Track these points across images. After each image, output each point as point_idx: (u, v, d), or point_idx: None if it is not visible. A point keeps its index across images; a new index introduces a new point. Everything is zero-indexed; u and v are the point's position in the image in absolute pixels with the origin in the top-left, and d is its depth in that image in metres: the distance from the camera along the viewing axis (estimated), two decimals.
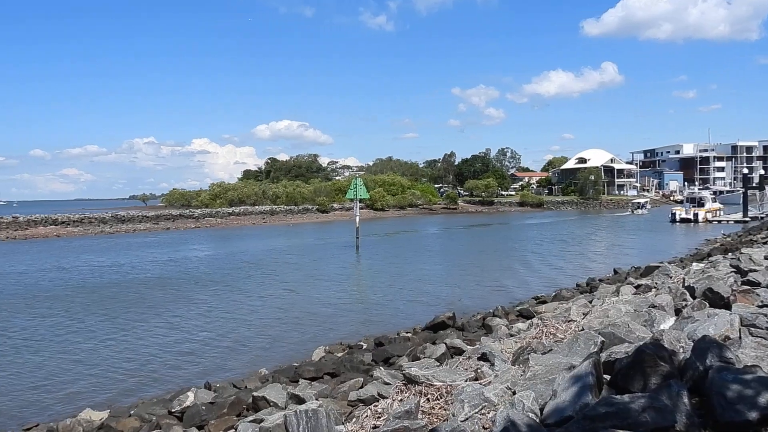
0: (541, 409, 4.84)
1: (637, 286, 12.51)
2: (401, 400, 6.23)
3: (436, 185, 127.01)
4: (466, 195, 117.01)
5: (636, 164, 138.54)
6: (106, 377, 13.19)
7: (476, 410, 5.20)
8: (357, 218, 44.05)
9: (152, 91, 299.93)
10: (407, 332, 15.59)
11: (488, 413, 5.15)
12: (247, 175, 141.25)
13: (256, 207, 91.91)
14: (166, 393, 11.50)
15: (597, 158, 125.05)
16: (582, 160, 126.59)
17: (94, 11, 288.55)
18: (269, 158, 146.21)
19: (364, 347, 14.11)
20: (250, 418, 7.51)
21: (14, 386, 12.66)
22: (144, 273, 31.05)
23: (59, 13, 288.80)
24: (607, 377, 5.14)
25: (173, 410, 9.42)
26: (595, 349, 6.03)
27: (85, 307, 21.45)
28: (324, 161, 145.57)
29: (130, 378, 13.10)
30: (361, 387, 8.69)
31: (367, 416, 6.17)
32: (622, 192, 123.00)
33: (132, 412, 9.98)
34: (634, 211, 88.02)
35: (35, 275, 30.62)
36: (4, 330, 18.06)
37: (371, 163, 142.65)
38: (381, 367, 10.26)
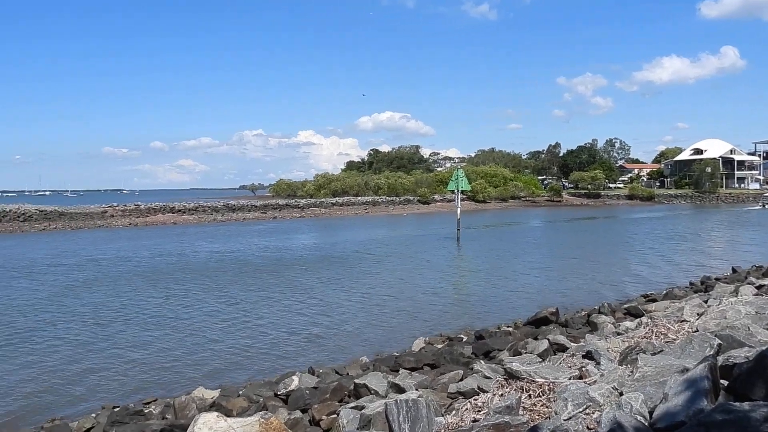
0: (650, 413, 4.63)
1: (759, 287, 11.68)
2: (502, 394, 6.16)
3: (539, 177, 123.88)
4: (571, 187, 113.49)
5: (760, 155, 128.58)
6: (218, 356, 13.91)
7: (580, 409, 5.06)
8: (458, 210, 43.79)
9: (261, 84, 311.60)
10: (508, 326, 15.37)
11: (593, 413, 4.99)
12: (350, 166, 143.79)
13: (359, 197, 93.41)
14: (272, 375, 12.00)
15: (715, 149, 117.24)
16: (698, 151, 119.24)
17: (204, 8, 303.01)
18: (372, 149, 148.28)
19: (464, 340, 14.05)
20: (352, 404, 7.69)
21: (135, 362, 13.61)
22: (256, 259, 32.39)
23: (174, 8, 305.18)
24: (724, 383, 4.84)
25: (279, 393, 9.79)
26: (711, 352, 5.70)
27: (203, 288, 22.69)
28: (425, 152, 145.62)
29: (239, 358, 13.74)
30: (461, 380, 8.67)
31: (466, 409, 6.15)
32: (742, 185, 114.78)
33: (241, 392, 10.47)
34: (766, 205, 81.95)
35: (158, 259, 32.72)
36: (135, 307, 19.41)
37: (473, 155, 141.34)
38: (481, 361, 10.19)
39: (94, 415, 9.96)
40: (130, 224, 62.80)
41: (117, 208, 68.39)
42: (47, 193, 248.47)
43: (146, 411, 9.63)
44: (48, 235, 52.10)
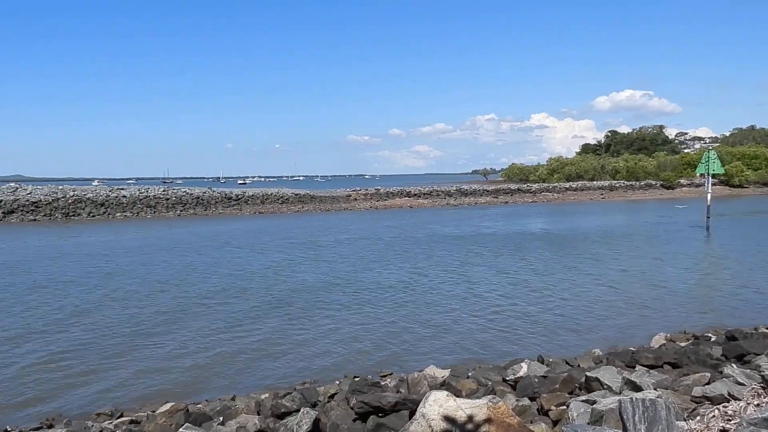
0: None
1: None
2: (758, 404, 5.49)
3: None
4: None
5: None
6: (450, 336, 14.34)
7: None
8: (708, 195, 39.68)
9: (494, 68, 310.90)
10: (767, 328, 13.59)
11: None
12: (586, 149, 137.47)
13: (594, 182, 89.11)
14: (500, 360, 12.07)
15: None
16: None
17: None
18: (609, 131, 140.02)
19: (713, 339, 12.73)
20: (583, 397, 7.42)
21: (374, 334, 14.60)
22: (492, 241, 32.68)
23: None
24: None
25: (507, 378, 9.81)
26: None
27: (450, 267, 23.58)
28: (671, 133, 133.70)
29: (469, 341, 14.02)
30: (708, 383, 7.89)
31: (714, 416, 5.59)
32: None
33: (470, 374, 10.69)
34: None
35: (410, 238, 34.72)
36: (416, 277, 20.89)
37: (728, 134, 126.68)
38: (733, 365, 9.14)
39: (337, 382, 10.93)
40: (371, 207, 67.15)
41: (360, 192, 73.56)
42: (301, 178, 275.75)
43: (382, 383, 10.30)
44: (303, 215, 57.86)
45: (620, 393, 7.62)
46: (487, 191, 79.60)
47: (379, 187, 79.56)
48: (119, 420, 9.36)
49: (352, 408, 8.02)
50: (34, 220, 52.64)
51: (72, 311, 17.50)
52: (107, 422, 9.29)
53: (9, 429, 9.42)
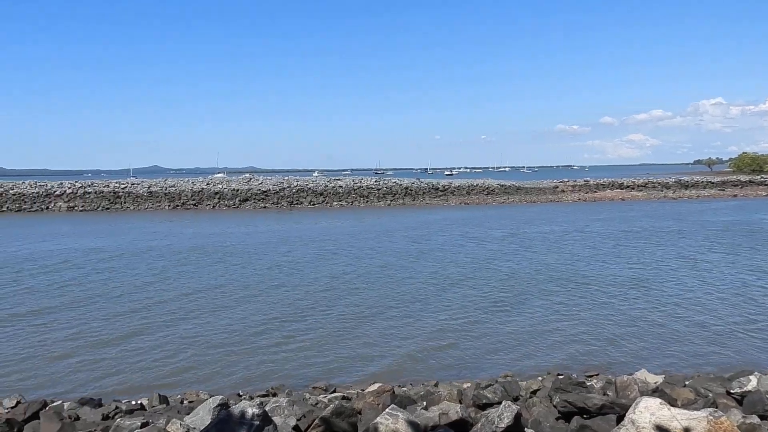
0: None
1: None
2: None
3: None
4: None
5: None
6: (664, 339, 13.33)
7: None
8: None
9: (721, 48, 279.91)
10: None
11: None
12: None
13: None
14: (724, 370, 10.95)
15: None
16: None
17: None
18: None
19: None
20: None
21: (581, 331, 14.06)
22: (721, 237, 29.80)
23: None
24: None
25: (732, 391, 8.88)
26: None
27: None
28: None
29: (689, 346, 12.92)
30: None
31: None
32: None
33: (687, 383, 9.85)
34: None
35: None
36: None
37: None
38: None
39: (540, 378, 10.72)
40: (578, 199, 64.46)
41: (567, 183, 70.94)
42: (506, 169, 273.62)
43: (588, 384, 9.89)
44: (507, 207, 57.33)
45: None
46: (712, 183, 72.23)
47: (588, 179, 76.03)
48: (332, 395, 10.10)
49: (555, 406, 7.83)
50: (264, 207, 58.57)
51: (305, 291, 19.17)
52: (322, 396, 10.08)
53: (241, 393, 10.65)
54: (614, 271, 21.88)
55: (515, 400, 8.66)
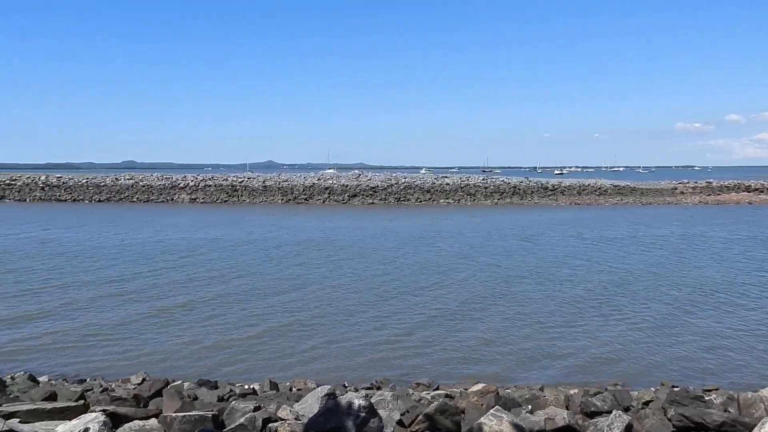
0: None
1: None
2: None
3: None
4: None
5: None
6: None
7: None
8: None
9: None
10: None
11: None
12: None
13: None
14: None
15: None
16: None
17: None
18: None
19: None
20: None
21: (708, 342, 13.29)
22: None
23: None
24: None
25: None
26: None
27: None
28: None
29: None
30: None
31: None
32: None
33: None
34: None
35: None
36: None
37: None
38: None
39: (653, 389, 10.24)
40: (699, 202, 60.74)
41: (687, 184, 66.99)
42: (621, 169, 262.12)
43: (706, 398, 9.34)
44: (621, 208, 54.93)
45: None
46: None
47: (710, 180, 71.38)
48: (435, 392, 10.15)
49: (669, 419, 7.48)
50: (372, 203, 59.50)
51: (412, 286, 19.39)
52: (425, 392, 10.15)
53: (346, 384, 10.93)
54: (742, 279, 20.49)
55: (626, 410, 8.33)
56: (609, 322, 15.14)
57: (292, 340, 13.70)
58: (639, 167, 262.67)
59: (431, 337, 13.96)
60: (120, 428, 6.46)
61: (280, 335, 14.03)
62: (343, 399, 6.70)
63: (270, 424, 6.68)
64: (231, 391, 9.95)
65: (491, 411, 6.63)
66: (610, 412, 7.48)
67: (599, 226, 38.71)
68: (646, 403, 9.08)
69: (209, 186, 62.76)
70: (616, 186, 65.12)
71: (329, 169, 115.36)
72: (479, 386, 9.57)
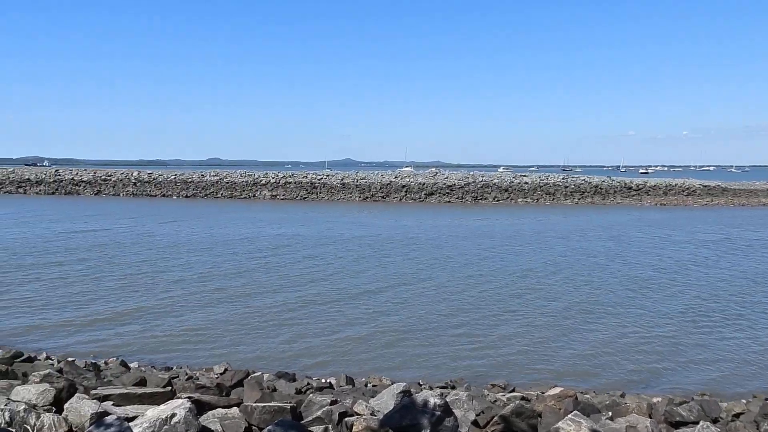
0: None
1: None
2: None
3: None
4: None
5: None
6: None
7: None
8: None
9: None
10: None
11: None
12: None
13: None
14: None
15: None
16: None
17: None
18: None
19: None
20: None
21: None
22: None
23: None
24: None
25: None
26: None
27: None
28: None
29: None
30: None
31: None
32: None
33: None
34: None
35: None
36: None
37: None
38: None
39: (744, 401, 9.73)
40: None
41: None
42: (711, 168, 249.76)
43: None
44: (712, 210, 52.30)
45: None
46: None
47: None
48: (511, 394, 10.02)
49: None
50: (449, 201, 59.23)
51: (493, 287, 19.24)
52: (500, 393, 10.04)
53: (421, 383, 10.95)
54: None
55: (714, 422, 7.95)
56: (701, 330, 14.48)
57: (368, 338, 13.84)
58: (732, 166, 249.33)
59: (510, 337, 13.78)
60: (204, 415, 6.73)
61: (356, 333, 14.21)
62: (419, 397, 6.72)
63: (346, 419, 6.78)
64: (308, 384, 10.16)
65: (569, 416, 6.48)
66: (697, 422, 7.16)
67: (691, 226, 37.04)
68: (737, 416, 8.64)
69: (289, 183, 64.18)
70: (705, 186, 62.10)
71: (406, 167, 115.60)
72: (557, 390, 9.37)
